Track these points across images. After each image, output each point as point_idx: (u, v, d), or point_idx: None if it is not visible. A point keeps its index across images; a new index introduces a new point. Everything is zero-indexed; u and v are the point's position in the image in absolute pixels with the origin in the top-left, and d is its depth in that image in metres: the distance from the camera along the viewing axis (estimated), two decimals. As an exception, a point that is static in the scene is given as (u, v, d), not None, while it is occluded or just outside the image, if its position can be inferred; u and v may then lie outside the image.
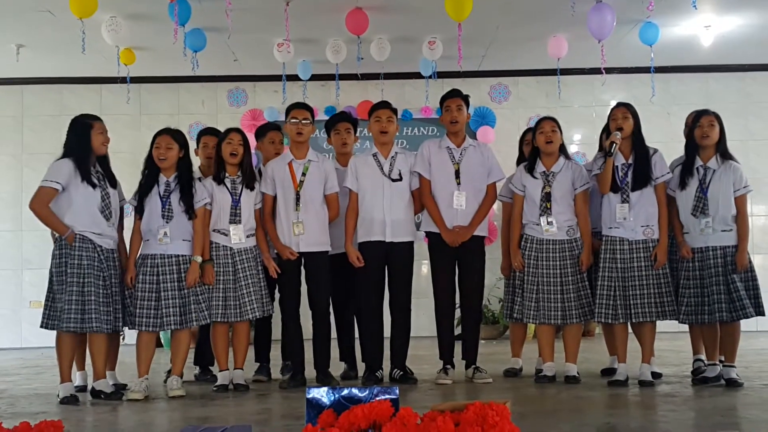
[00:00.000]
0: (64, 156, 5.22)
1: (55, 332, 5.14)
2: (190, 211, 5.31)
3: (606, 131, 5.54)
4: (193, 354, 6.13)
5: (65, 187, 5.10)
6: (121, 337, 5.80)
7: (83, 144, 5.20)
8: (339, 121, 6.03)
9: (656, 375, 5.48)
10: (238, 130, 5.60)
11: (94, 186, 5.14)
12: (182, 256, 5.29)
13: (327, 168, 5.62)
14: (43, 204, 5.10)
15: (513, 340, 6.08)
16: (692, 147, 5.34)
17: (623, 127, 5.32)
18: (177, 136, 5.39)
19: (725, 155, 5.29)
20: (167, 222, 5.26)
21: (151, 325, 5.21)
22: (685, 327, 5.51)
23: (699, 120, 5.31)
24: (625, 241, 5.30)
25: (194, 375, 6.09)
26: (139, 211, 5.30)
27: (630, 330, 5.46)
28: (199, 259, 5.31)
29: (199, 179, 5.57)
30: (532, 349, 6.02)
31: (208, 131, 6.09)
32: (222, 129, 5.80)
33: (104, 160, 5.35)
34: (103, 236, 5.17)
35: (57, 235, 5.20)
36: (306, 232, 5.47)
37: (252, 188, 5.53)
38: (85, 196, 5.12)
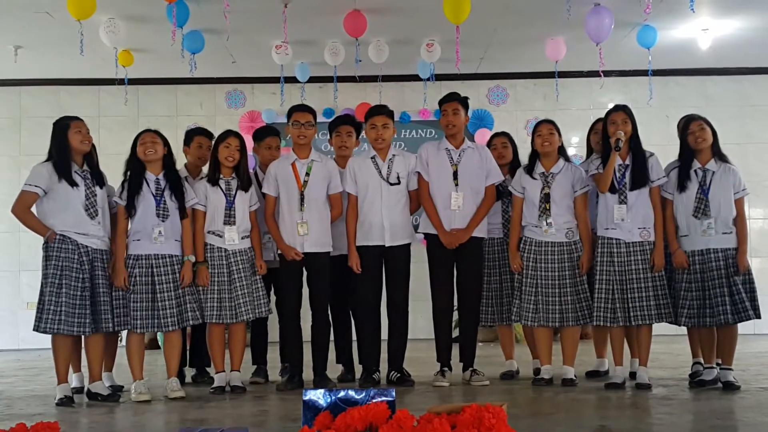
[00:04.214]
0: (46, 159, 5.23)
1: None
2: (182, 210, 5.30)
3: (604, 134, 5.47)
4: (189, 356, 6.13)
5: (47, 190, 5.11)
6: (120, 339, 5.78)
7: (61, 145, 5.20)
8: (342, 123, 6.03)
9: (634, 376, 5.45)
10: (236, 135, 5.55)
11: (73, 185, 5.12)
12: (176, 256, 5.28)
13: (330, 168, 5.61)
14: (23, 207, 5.15)
15: (503, 343, 6.06)
16: (687, 151, 5.35)
17: (625, 132, 5.32)
18: (159, 134, 5.41)
19: (722, 157, 5.31)
20: (162, 221, 5.24)
21: (149, 326, 5.19)
22: (682, 330, 5.51)
23: (689, 127, 5.33)
24: (622, 242, 5.30)
25: (191, 377, 6.08)
26: (130, 210, 5.25)
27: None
28: (193, 258, 5.30)
29: (186, 179, 5.57)
30: (524, 351, 6.02)
31: (201, 131, 6.03)
32: (219, 131, 5.76)
33: (91, 159, 5.33)
34: (90, 236, 5.14)
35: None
36: (310, 232, 5.46)
37: (246, 190, 5.52)
38: (67, 196, 5.11)
